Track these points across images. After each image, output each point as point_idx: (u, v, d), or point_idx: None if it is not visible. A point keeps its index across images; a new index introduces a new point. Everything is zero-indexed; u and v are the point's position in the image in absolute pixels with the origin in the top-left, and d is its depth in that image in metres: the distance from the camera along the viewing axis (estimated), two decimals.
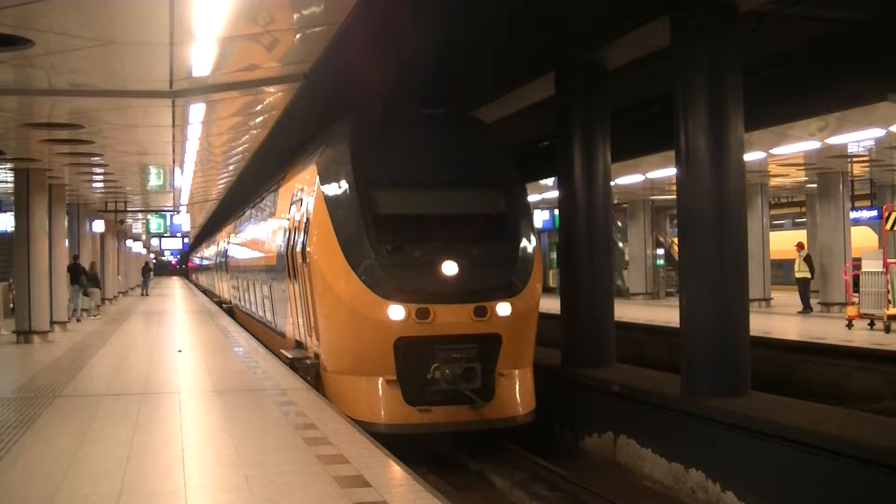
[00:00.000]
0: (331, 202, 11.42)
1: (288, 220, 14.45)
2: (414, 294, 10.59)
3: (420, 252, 10.97)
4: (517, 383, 11.10)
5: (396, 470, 7.04)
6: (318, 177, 11.95)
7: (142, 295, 36.08)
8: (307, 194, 12.60)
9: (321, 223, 11.46)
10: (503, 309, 10.78)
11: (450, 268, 10.76)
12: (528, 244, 11.45)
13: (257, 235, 20.63)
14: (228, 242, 30.94)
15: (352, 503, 6.05)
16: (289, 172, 16.38)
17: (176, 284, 66.30)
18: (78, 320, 23.59)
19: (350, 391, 10.96)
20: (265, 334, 19.08)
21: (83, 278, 24.81)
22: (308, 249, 11.87)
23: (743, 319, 10.81)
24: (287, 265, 14.05)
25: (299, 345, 13.92)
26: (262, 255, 19.05)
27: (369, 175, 11.40)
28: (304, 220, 12.43)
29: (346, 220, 11.13)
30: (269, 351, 16.18)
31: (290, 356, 13.76)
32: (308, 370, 12.49)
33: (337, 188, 11.51)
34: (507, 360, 10.95)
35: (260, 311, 20.09)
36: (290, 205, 14.22)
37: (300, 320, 13.40)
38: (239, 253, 26.28)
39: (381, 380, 10.65)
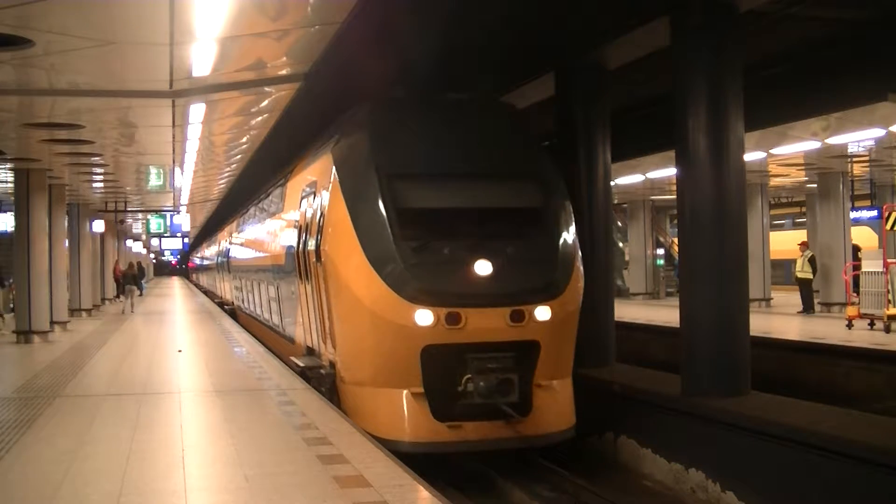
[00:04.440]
0: (349, 195, 10.35)
1: (298, 215, 13.31)
2: (443, 297, 9.62)
3: (449, 250, 9.99)
4: (556, 396, 10.15)
5: (397, 470, 7.04)
6: (334, 167, 10.86)
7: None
8: (321, 187, 11.52)
9: (338, 218, 10.36)
10: (542, 313, 9.84)
11: (483, 267, 9.80)
12: (568, 241, 10.48)
13: (262, 233, 19.35)
14: (230, 241, 29.50)
15: (352, 503, 6.05)
16: (297, 165, 15.39)
17: (176, 284, 66.30)
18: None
19: (370, 405, 10.00)
20: (271, 339, 17.99)
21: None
22: (323, 247, 10.78)
23: (743, 319, 10.81)
24: (297, 264, 13.00)
25: (311, 351, 12.92)
26: (268, 253, 17.87)
27: (392, 165, 10.39)
28: (318, 215, 11.33)
29: (367, 214, 10.09)
30: (275, 356, 15.39)
31: (301, 364, 12.64)
32: (322, 381, 11.45)
33: (356, 179, 10.46)
34: (545, 370, 10.02)
35: (265, 313, 18.92)
36: (301, 199, 13.17)
37: (312, 325, 12.38)
38: (242, 252, 24.92)
39: (405, 392, 9.69)
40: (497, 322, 9.70)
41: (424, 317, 9.55)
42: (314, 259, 11.37)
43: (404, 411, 9.67)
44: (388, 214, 9.96)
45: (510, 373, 9.65)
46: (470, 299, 9.67)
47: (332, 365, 11.06)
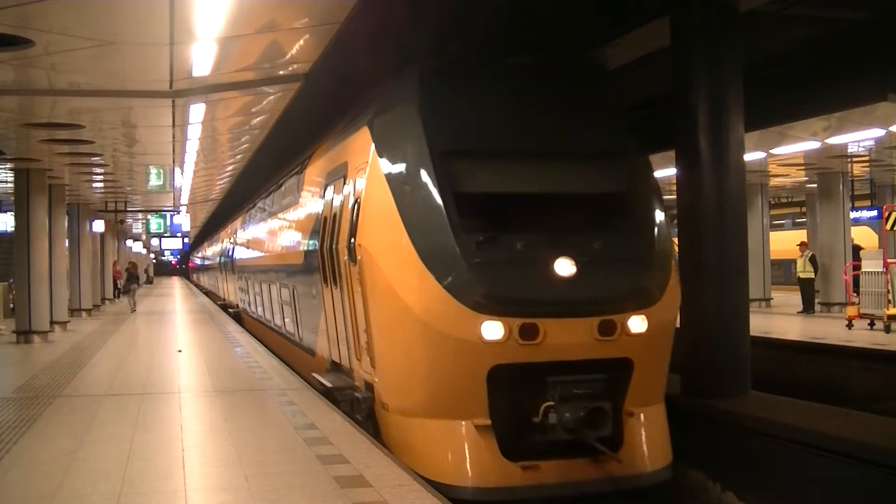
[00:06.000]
0: (394, 178, 8.42)
1: (322, 206, 11.33)
2: (516, 304, 7.77)
3: (522, 245, 8.09)
4: (651, 426, 8.31)
5: (397, 470, 7.04)
6: (373, 144, 8.96)
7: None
8: (355, 170, 9.61)
9: (381, 206, 8.44)
10: (637, 324, 8.04)
11: (564, 267, 7.94)
12: (664, 234, 8.72)
13: (275, 229, 17.25)
14: (235, 240, 27.45)
15: (352, 503, 6.05)
16: (318, 149, 13.47)
17: (176, 285, 66.29)
18: None
19: (422, 440, 8.08)
20: (284, 348, 16.07)
21: None
22: (359, 242, 8.80)
23: (743, 319, 10.81)
24: (321, 263, 11.03)
25: (336, 366, 11.01)
26: (281, 251, 15.83)
27: (449, 140, 8.45)
28: (351, 203, 9.43)
29: (417, 200, 8.16)
30: (289, 368, 13.86)
31: (327, 384, 10.55)
32: (356, 406, 9.39)
33: (403, 158, 8.52)
34: (638, 395, 8.24)
35: (277, 319, 16.83)
36: (325, 187, 11.25)
37: (340, 336, 10.39)
38: (249, 251, 22.73)
39: (468, 424, 7.77)
40: (582, 336, 7.88)
41: (493, 329, 7.69)
42: (345, 257, 9.49)
43: (466, 449, 7.77)
44: (445, 201, 8.05)
45: (602, 400, 7.75)
46: (549, 307, 7.85)
47: (370, 387, 9.10)
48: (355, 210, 9.15)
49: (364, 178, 9.02)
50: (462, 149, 8.51)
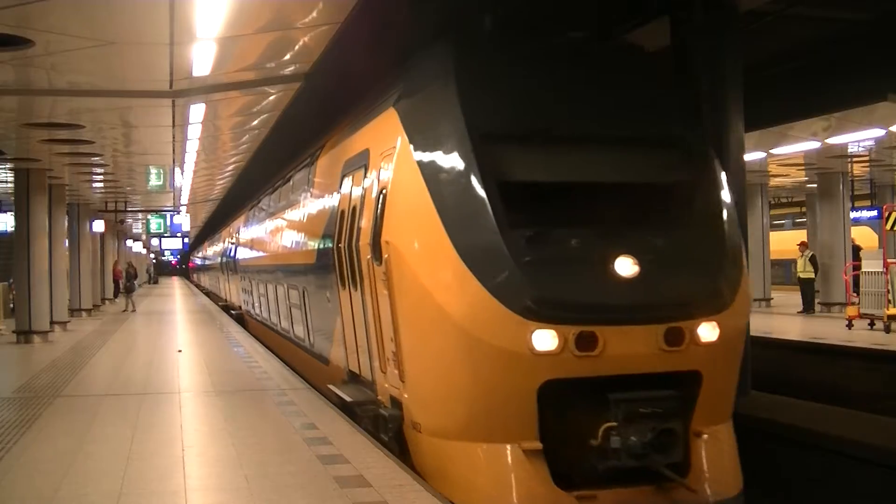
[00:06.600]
0: (428, 165, 7.41)
1: (338, 199, 10.27)
2: (572, 310, 6.78)
3: (577, 242, 7.21)
4: (720, 447, 7.30)
5: (397, 470, 7.03)
6: (402, 128, 7.92)
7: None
8: (380, 158, 8.51)
9: (412, 198, 7.45)
10: (708, 332, 7.06)
11: (625, 267, 6.99)
12: (734, 229, 7.73)
13: (282, 226, 16.00)
14: (238, 239, 26.03)
15: (352, 503, 6.05)
16: (331, 139, 12.33)
17: (176, 285, 66.33)
18: None
19: (461, 466, 7.09)
20: (291, 353, 15.00)
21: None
22: (385, 239, 7.74)
23: None
24: (339, 262, 9.87)
25: (355, 377, 9.88)
26: (290, 250, 14.60)
27: (491, 122, 7.45)
28: (375, 194, 8.34)
29: (457, 191, 7.15)
30: (289, 369, 13.47)
31: (346, 397, 9.36)
32: (382, 424, 8.27)
33: (437, 143, 7.48)
34: (706, 412, 7.23)
35: (285, 322, 15.67)
36: (342, 178, 10.20)
37: (360, 344, 9.31)
38: (254, 249, 21.39)
39: (515, 448, 6.78)
40: (647, 346, 6.89)
41: (545, 339, 6.71)
42: (368, 255, 8.38)
43: (513, 476, 6.79)
44: (488, 190, 7.01)
45: (672, 420, 6.78)
46: (609, 314, 6.89)
47: (397, 403, 8.05)
48: (380, 202, 8.06)
49: (391, 165, 7.95)
50: (506, 132, 7.51)
